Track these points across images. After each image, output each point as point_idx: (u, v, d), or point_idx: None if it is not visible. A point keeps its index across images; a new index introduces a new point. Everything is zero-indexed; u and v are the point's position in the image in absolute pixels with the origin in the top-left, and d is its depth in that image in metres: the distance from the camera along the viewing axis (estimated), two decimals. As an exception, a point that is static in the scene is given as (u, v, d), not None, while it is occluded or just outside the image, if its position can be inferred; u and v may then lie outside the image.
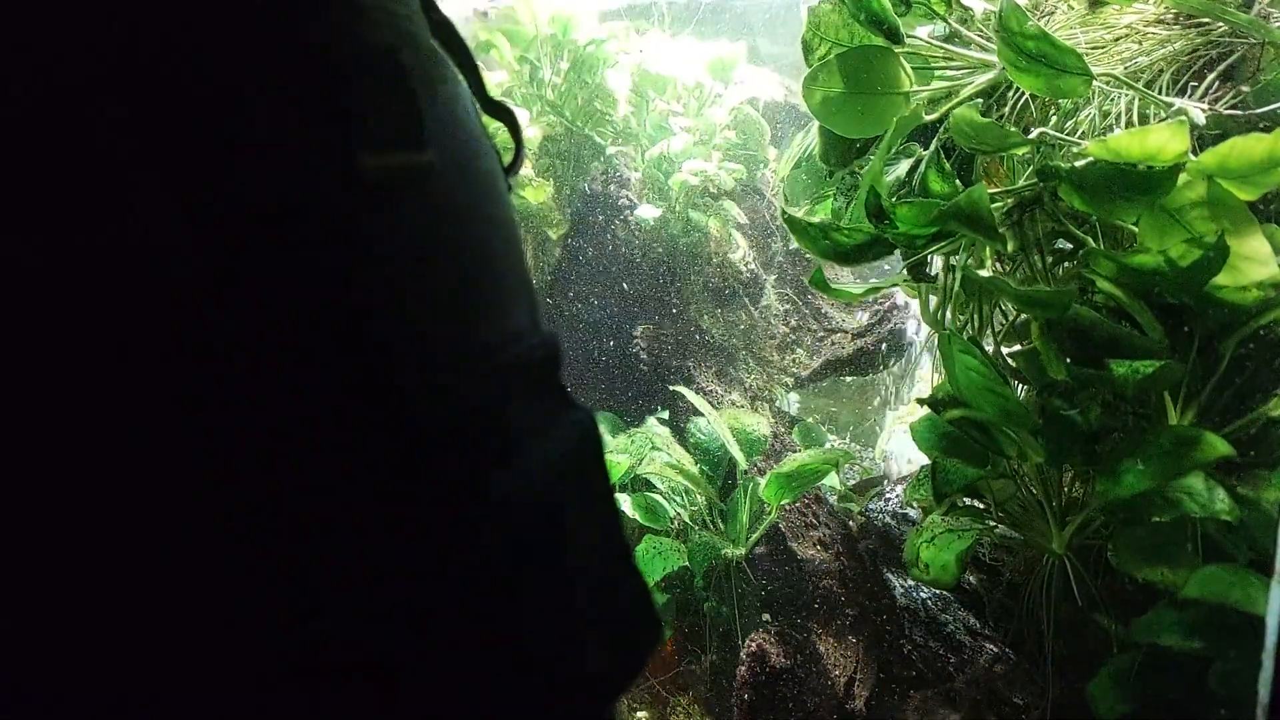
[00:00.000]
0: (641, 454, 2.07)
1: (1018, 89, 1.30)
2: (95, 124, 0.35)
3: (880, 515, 1.95)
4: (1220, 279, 1.12)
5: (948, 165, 1.29)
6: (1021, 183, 1.28)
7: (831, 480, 2.09)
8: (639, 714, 2.05)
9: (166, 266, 0.36)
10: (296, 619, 0.39)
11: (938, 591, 1.73)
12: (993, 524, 1.50)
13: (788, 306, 2.61)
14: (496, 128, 0.66)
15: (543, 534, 0.50)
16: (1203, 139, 1.20)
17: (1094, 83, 1.18)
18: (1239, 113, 1.23)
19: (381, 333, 0.43)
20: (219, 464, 0.37)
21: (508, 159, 0.61)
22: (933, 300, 1.47)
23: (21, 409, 0.35)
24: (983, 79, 1.29)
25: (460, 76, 0.54)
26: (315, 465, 0.40)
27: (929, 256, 1.37)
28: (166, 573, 0.37)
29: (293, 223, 0.39)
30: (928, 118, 1.29)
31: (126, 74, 0.36)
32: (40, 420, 0.35)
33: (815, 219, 1.37)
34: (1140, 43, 1.28)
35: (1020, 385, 1.44)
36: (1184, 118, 1.06)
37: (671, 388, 2.31)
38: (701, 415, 2.15)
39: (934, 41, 1.38)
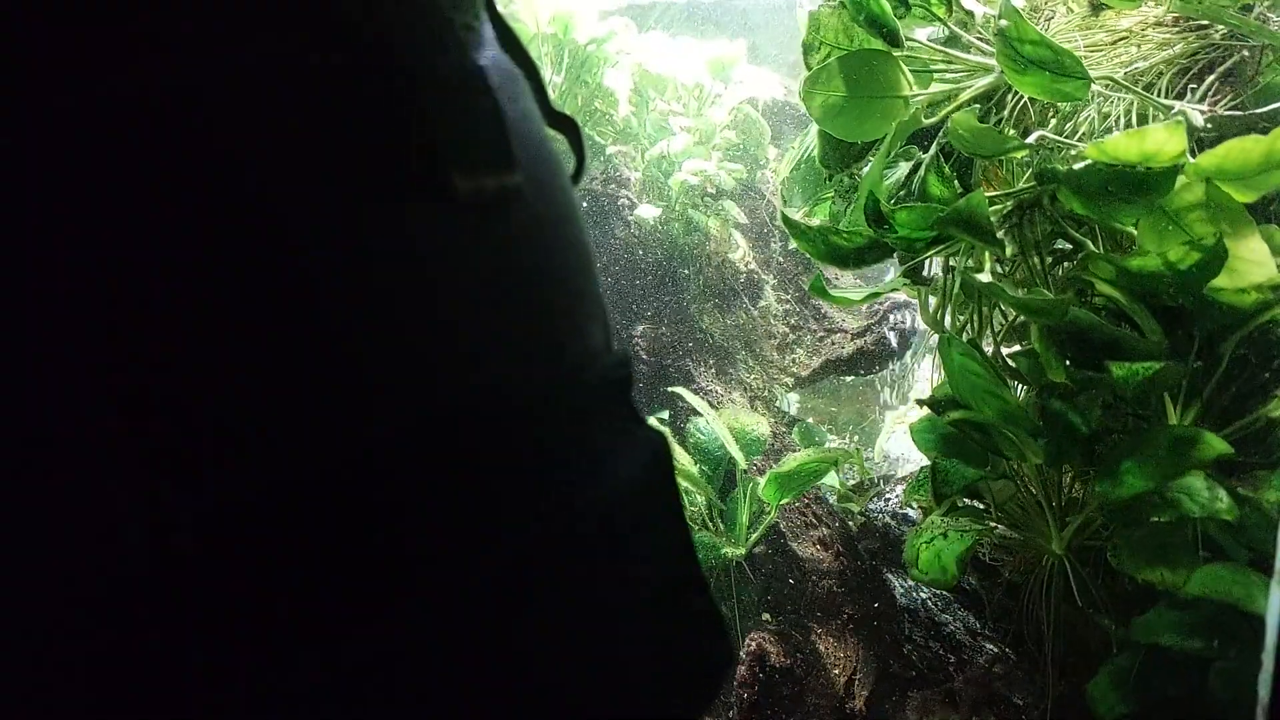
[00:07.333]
0: (642, 454, 2.07)
1: (1017, 92, 1.30)
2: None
3: (880, 515, 1.95)
4: (1219, 281, 1.12)
5: (947, 168, 1.29)
6: (1020, 186, 1.29)
7: (831, 480, 2.09)
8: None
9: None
10: (383, 640, 0.38)
11: (938, 592, 1.74)
12: (992, 525, 1.50)
13: (787, 306, 2.61)
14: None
15: (624, 556, 0.49)
16: (1202, 142, 1.20)
17: (1093, 86, 1.18)
18: (1238, 114, 1.23)
19: (475, 355, 0.42)
20: (315, 482, 0.36)
21: None
22: (932, 302, 1.47)
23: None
24: (982, 82, 1.29)
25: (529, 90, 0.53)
26: (397, 490, 0.39)
27: (928, 259, 1.37)
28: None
29: (391, 249, 0.39)
30: (927, 121, 1.30)
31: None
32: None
33: (814, 222, 1.38)
34: (1139, 46, 1.28)
35: (1020, 386, 1.45)
36: (1181, 119, 1.06)
37: (671, 388, 2.31)
38: (701, 415, 2.15)
39: (933, 45, 1.38)
